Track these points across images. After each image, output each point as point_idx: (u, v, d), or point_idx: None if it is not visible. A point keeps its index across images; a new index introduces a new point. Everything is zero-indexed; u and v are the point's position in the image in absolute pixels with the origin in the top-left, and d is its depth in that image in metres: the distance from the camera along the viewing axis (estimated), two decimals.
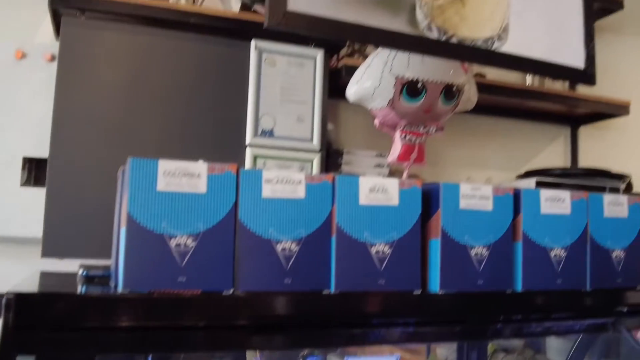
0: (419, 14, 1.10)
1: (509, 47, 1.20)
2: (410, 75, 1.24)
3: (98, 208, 1.56)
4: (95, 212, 1.68)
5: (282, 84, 1.97)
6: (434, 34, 1.11)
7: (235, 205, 0.86)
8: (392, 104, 1.26)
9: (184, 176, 0.84)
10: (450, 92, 1.28)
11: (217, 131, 1.94)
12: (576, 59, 1.32)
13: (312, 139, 1.99)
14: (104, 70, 1.87)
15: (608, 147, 3.04)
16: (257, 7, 2.09)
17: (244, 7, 2.17)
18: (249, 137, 1.93)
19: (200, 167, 0.85)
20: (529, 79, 2.74)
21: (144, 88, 1.89)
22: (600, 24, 2.94)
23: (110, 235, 0.99)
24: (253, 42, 1.96)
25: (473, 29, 1.15)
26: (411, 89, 1.24)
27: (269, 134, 1.95)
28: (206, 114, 1.94)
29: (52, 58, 2.03)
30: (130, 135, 1.86)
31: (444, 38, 1.12)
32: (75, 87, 1.82)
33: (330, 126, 2.21)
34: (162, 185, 0.83)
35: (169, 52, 1.93)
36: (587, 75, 1.34)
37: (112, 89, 1.87)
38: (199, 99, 1.94)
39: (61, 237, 1.73)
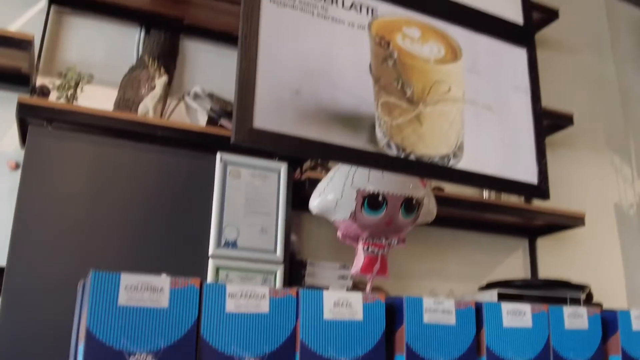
0: (379, 133, 1.15)
1: (464, 163, 1.26)
2: (371, 188, 1.27)
3: (56, 321, 1.51)
4: (52, 326, 1.62)
5: (246, 195, 2.00)
6: (393, 152, 1.16)
7: (198, 320, 0.85)
8: (353, 216, 1.29)
9: (146, 290, 0.83)
10: (410, 205, 1.32)
11: (180, 242, 1.93)
12: (529, 175, 1.38)
13: (275, 250, 2.00)
14: (68, 180, 1.87)
15: (566, 257, 3.11)
16: (224, 121, 2.15)
17: (211, 121, 2.23)
18: (212, 248, 1.92)
19: (163, 281, 0.84)
20: (486, 193, 2.82)
21: (107, 198, 1.89)
22: (553, 138, 3.10)
23: (67, 351, 0.96)
24: (218, 155, 2.00)
25: (430, 146, 1.20)
26: (372, 201, 1.28)
27: (232, 245, 1.94)
28: (170, 225, 1.93)
29: (17, 166, 2.03)
30: (92, 247, 1.83)
31: (402, 155, 1.17)
32: (38, 196, 1.81)
33: (294, 237, 2.22)
34: (123, 299, 0.81)
35: (135, 163, 1.95)
36: (540, 190, 1.39)
37: (75, 198, 1.86)
38: (163, 210, 1.94)
39: (15, 351, 1.65)
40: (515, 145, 1.36)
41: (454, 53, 1.30)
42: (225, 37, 2.52)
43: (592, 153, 3.43)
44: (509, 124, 1.35)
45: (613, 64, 3.78)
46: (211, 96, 2.27)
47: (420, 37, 1.26)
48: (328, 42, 1.15)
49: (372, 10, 1.22)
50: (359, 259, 1.35)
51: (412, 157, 1.18)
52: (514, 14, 1.45)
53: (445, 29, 1.32)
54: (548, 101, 2.93)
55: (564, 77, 3.43)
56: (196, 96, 2.28)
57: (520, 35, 1.44)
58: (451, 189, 2.63)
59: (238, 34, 1.08)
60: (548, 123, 2.87)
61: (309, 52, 1.12)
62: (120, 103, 2.16)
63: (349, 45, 1.17)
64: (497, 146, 1.33)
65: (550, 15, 3.02)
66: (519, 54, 1.42)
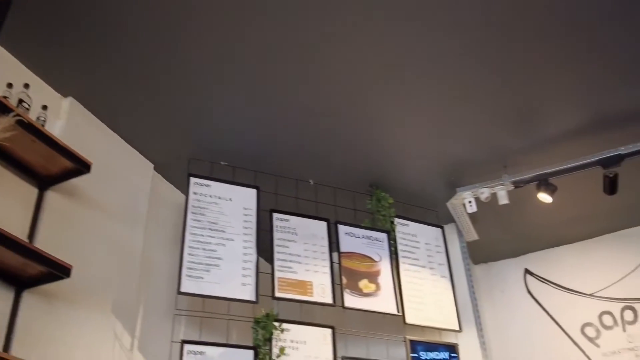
0: None
1: None
2: None
3: None
4: None
5: None
6: None
7: None
8: None
9: None
10: None
11: None
12: None
13: None
14: None
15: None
16: None
17: None
18: None
19: None
20: None
21: None
22: (49, 288, 2.93)
23: None
24: None
25: None
26: None
27: None
28: None
29: None
30: None
31: None
32: None
33: None
34: None
35: None
36: None
37: None
38: None
39: None
40: None
41: None
42: None
43: (95, 314, 3.32)
44: None
45: (143, 236, 3.89)
46: None
47: None
48: None
49: None
50: None
51: None
52: None
53: None
54: (56, 251, 2.79)
55: (87, 234, 3.39)
56: None
57: None
58: None
59: None
60: (45, 270, 2.73)
61: None
62: None
63: None
64: None
65: (82, 166, 3.02)
66: None
